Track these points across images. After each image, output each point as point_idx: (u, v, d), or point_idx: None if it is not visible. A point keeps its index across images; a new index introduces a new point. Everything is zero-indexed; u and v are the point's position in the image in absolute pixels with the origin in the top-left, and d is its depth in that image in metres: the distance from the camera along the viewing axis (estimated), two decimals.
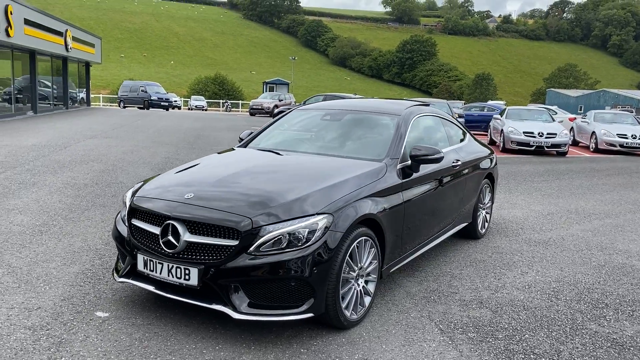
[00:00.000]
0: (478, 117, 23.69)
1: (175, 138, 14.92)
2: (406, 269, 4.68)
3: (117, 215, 3.87)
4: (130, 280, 3.48)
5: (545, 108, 22.59)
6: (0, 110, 19.38)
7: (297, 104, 30.95)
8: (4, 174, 8.07)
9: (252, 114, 34.42)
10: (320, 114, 5.07)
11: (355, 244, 3.40)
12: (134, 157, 10.51)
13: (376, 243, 3.64)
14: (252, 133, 5.08)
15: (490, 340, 3.44)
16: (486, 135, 19.65)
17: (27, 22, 19.85)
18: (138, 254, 3.40)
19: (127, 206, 3.63)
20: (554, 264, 5.11)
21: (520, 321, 3.75)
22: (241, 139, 5.04)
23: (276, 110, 29.22)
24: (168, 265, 3.24)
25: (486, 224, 6.01)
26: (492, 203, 6.26)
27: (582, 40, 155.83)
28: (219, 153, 4.73)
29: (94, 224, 5.61)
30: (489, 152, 6.19)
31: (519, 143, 15.66)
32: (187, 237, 3.22)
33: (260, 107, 34.05)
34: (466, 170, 5.27)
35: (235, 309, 3.11)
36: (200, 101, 48.42)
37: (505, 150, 16.10)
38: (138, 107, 36.66)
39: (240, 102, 56.06)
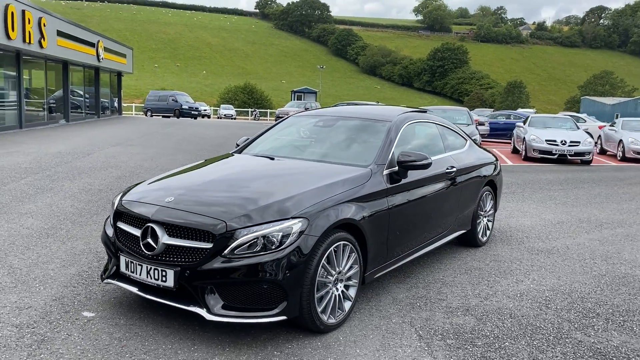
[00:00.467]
0: (503, 125, 23.33)
1: (197, 146, 15.18)
2: (397, 275, 4.67)
3: (106, 218, 4.00)
4: (115, 282, 3.59)
5: (570, 116, 22.13)
6: (34, 119, 20.07)
7: None
8: (25, 179, 8.37)
9: None
10: (315, 121, 5.14)
11: (332, 248, 3.43)
12: (152, 164, 10.74)
13: (357, 248, 3.66)
14: (248, 139, 5.18)
15: (468, 347, 3.41)
16: (510, 143, 19.35)
17: (60, 33, 20.53)
18: (121, 256, 3.52)
19: (114, 209, 3.76)
20: (552, 273, 5.01)
21: (504, 329, 3.70)
22: (237, 145, 5.14)
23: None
24: (147, 266, 3.34)
25: (488, 232, 5.94)
26: (495, 210, 6.18)
27: (619, 47, 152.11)
28: (213, 158, 4.84)
29: (99, 228, 5.77)
30: (492, 159, 6.13)
31: (541, 151, 15.36)
32: (165, 239, 3.31)
33: (286, 115, 34.33)
34: (463, 177, 5.24)
35: (209, 311, 3.18)
36: (230, 110, 49.05)
37: (527, 158, 15.82)
38: (162, 116, 37.36)
39: (268, 110, 56.55)
